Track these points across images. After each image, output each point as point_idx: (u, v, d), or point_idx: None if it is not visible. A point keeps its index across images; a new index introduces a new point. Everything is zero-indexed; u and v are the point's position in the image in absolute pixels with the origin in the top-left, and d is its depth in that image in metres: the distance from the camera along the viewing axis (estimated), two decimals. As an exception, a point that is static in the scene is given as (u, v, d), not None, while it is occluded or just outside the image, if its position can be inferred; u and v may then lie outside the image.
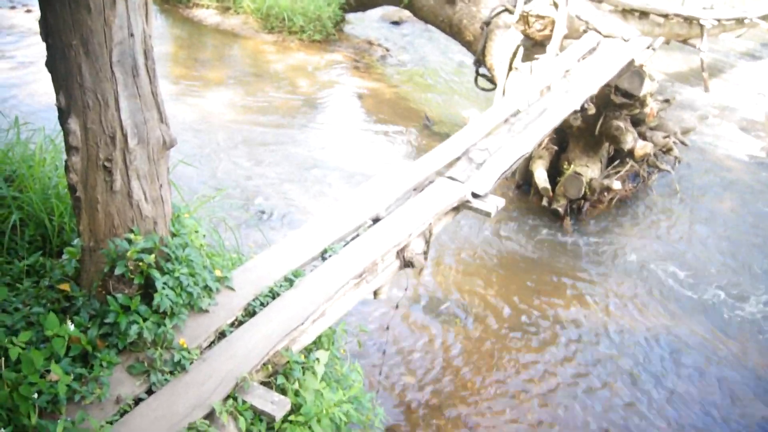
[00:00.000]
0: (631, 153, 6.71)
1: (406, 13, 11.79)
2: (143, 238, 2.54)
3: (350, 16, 11.30)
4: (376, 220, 3.41)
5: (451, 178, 3.91)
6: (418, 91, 9.43)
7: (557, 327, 5.47)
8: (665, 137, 7.35)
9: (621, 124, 6.42)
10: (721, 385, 5.17)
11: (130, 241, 2.49)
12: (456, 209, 3.76)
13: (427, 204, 3.57)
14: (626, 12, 8.70)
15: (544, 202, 6.81)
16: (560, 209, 6.66)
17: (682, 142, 7.55)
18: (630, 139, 6.57)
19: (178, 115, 7.55)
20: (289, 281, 2.96)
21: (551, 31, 7.40)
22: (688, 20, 11.30)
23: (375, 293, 3.27)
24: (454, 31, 8.98)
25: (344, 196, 6.25)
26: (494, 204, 3.76)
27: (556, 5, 7.25)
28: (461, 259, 6.07)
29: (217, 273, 2.80)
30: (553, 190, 6.66)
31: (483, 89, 8.76)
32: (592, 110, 5.60)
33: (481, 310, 5.43)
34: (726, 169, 9.14)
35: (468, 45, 8.85)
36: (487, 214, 3.73)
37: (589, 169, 6.68)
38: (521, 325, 5.36)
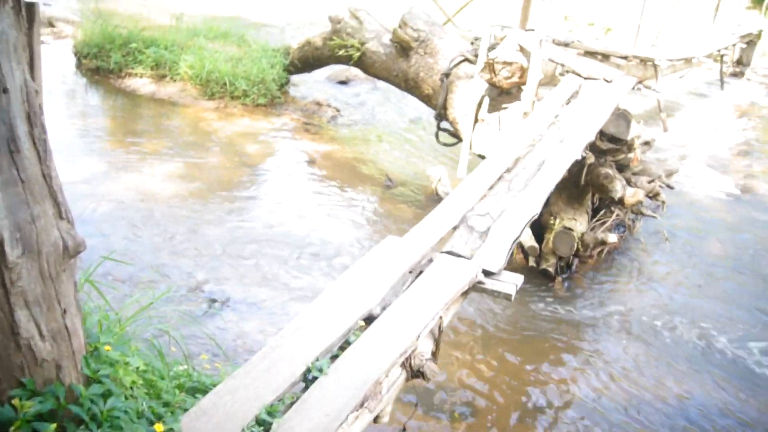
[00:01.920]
0: (621, 202, 6.09)
1: (353, 72, 11.22)
2: (39, 396, 1.68)
3: (295, 78, 10.63)
4: (369, 320, 2.60)
5: (452, 253, 3.14)
6: (374, 151, 8.73)
7: (562, 407, 4.68)
8: (650, 182, 6.78)
9: (609, 171, 5.80)
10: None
11: (17, 405, 1.62)
12: (465, 293, 2.99)
13: (432, 291, 2.78)
14: (589, 54, 8.23)
15: (532, 262, 6.11)
16: (550, 269, 5.95)
17: (668, 186, 6.98)
18: (619, 187, 5.96)
19: (108, 194, 6.66)
20: (263, 425, 2.09)
21: (519, 77, 6.82)
22: (644, 61, 11.11)
23: (375, 418, 2.43)
24: (410, 85, 8.35)
25: (323, 287, 5.43)
26: (513, 283, 3.00)
27: (523, 50, 6.69)
28: (447, 338, 5.27)
29: (158, 429, 1.92)
30: (539, 247, 5.99)
31: (445, 144, 8.12)
32: (591, 159, 4.97)
33: (479, 397, 4.60)
34: (705, 209, 8.65)
35: (427, 99, 8.23)
36: (507, 297, 2.97)
37: (577, 223, 6.01)
38: (526, 410, 4.54)
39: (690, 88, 17.31)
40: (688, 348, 5.52)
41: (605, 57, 8.91)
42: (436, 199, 7.37)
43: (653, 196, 6.83)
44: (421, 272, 2.97)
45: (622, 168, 6.51)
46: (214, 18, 12.04)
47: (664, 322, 5.82)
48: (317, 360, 2.32)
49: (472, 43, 8.11)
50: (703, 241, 7.64)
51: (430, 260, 3.06)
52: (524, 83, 6.99)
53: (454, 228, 3.36)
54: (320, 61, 9.76)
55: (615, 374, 5.05)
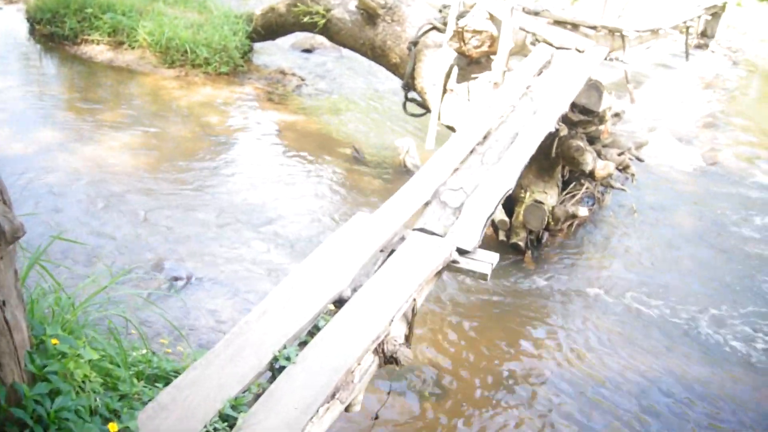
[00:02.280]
0: (591, 175, 6.01)
1: (318, 40, 10.95)
2: (-25, 398, 1.51)
3: (258, 46, 10.32)
4: (340, 303, 2.46)
5: (424, 230, 3.01)
6: (341, 121, 8.54)
7: (532, 383, 4.61)
8: (620, 154, 6.72)
9: (580, 144, 5.71)
10: None
11: (-51, 410, 1.45)
12: (439, 272, 2.86)
13: (405, 272, 2.64)
14: (558, 24, 8.10)
15: (502, 236, 6.02)
16: (521, 243, 5.87)
17: (638, 158, 6.93)
18: (590, 160, 5.87)
19: (64, 166, 6.38)
20: (227, 421, 1.94)
21: (489, 47, 6.67)
22: (612, 32, 11.02)
23: (347, 407, 2.30)
24: (377, 54, 8.14)
25: (288, 262, 5.26)
26: (488, 262, 2.88)
27: (493, 19, 6.53)
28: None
29: (112, 429, 1.76)
30: (509, 221, 5.89)
31: (413, 115, 7.96)
32: (564, 131, 4.86)
33: (447, 374, 4.50)
34: (673, 182, 8.65)
35: (394, 68, 8.03)
36: (482, 277, 2.85)
37: (548, 196, 5.93)
38: (496, 387, 4.46)
39: (655, 59, 17.33)
40: (655, 322, 5.50)
41: (574, 27, 8.79)
42: (404, 170, 7.23)
43: (623, 168, 6.77)
44: (393, 251, 2.83)
45: (592, 140, 6.43)
46: (174, -18, 11.61)
47: (633, 296, 5.80)
48: (285, 348, 2.18)
49: (440, 11, 7.91)
50: (670, 214, 7.64)
51: (402, 238, 2.93)
52: (494, 52, 6.84)
53: (427, 203, 3.22)
54: (284, 28, 9.48)
55: (583, 349, 5.01)
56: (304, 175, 6.86)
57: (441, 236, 2.99)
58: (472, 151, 3.77)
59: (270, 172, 6.81)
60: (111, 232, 5.41)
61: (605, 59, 5.96)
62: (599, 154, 6.44)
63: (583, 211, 5.64)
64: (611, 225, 7.05)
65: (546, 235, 6.21)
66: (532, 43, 6.11)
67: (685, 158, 9.69)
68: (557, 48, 5.67)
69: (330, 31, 8.62)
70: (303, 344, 2.26)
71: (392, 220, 3.00)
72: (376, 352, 2.33)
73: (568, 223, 6.07)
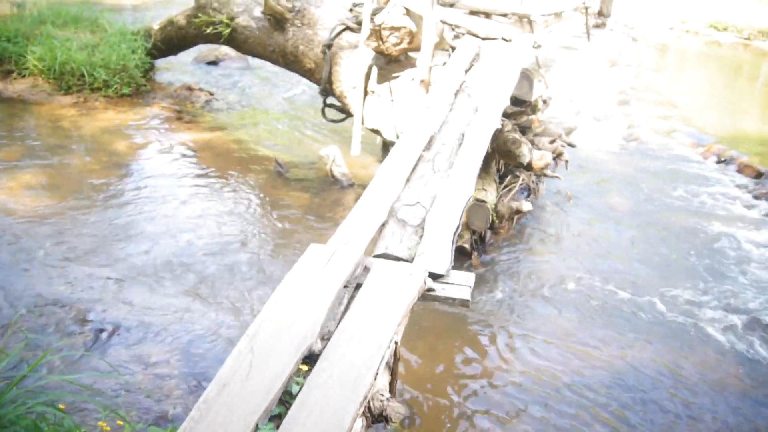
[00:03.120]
0: (529, 167, 5.82)
1: (223, 51, 10.47)
2: None
3: (161, 63, 9.73)
4: (311, 359, 2.08)
5: (388, 256, 2.67)
6: (258, 134, 8.09)
7: (493, 387, 4.35)
8: (552, 142, 6.57)
9: (516, 136, 5.49)
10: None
11: None
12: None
13: (378, 310, 2.28)
14: (473, 13, 7.91)
15: (444, 241, 5.75)
16: (466, 245, 5.61)
17: (569, 144, 6.80)
18: (526, 152, 5.67)
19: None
20: None
21: (409, 43, 6.40)
22: (521, 18, 11.00)
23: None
24: (289, 60, 7.74)
25: (225, 297, 4.81)
26: (466, 285, 2.57)
27: (410, 14, 6.25)
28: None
29: None
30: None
31: (333, 121, 7.62)
32: (508, 126, 4.61)
33: (416, 396, 4.18)
34: (600, 162, 8.64)
35: (309, 74, 7.65)
36: (464, 304, 2.54)
37: (487, 193, 5.69)
38: (465, 402, 4.17)
39: (559, 42, 17.55)
40: (613, 310, 5.36)
41: (487, 15, 8.64)
42: (331, 180, 6.87)
43: (557, 156, 6.63)
44: (359, 285, 2.48)
45: (524, 130, 6.26)
46: (62, 2, 10.82)
47: (585, 285, 5.65)
48: (258, 429, 1.79)
49: (351, 10, 7.57)
50: (604, 196, 7.58)
51: (366, 268, 2.58)
52: (414, 49, 6.58)
53: (383, 224, 2.88)
54: (186, 41, 8.93)
55: (545, 348, 4.79)
56: (227, 197, 6.40)
57: (407, 261, 2.67)
58: (419, 159, 3.46)
59: (189, 199, 6.30)
60: (14, 285, 4.81)
61: (537, 45, 5.76)
62: (532, 144, 6.27)
63: (527, 206, 5.43)
64: (550, 214, 6.91)
65: (489, 233, 5.99)
66: (456, 36, 5.86)
67: (608, 138, 9.73)
68: (483, 39, 5.44)
69: (236, 40, 8.16)
70: (277, 417, 1.88)
71: (351, 250, 2.64)
72: (363, 413, 1.98)
73: (512, 219, 5.86)
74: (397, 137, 6.67)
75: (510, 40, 5.51)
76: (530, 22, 11.44)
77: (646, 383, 4.55)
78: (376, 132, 7.02)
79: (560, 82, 12.71)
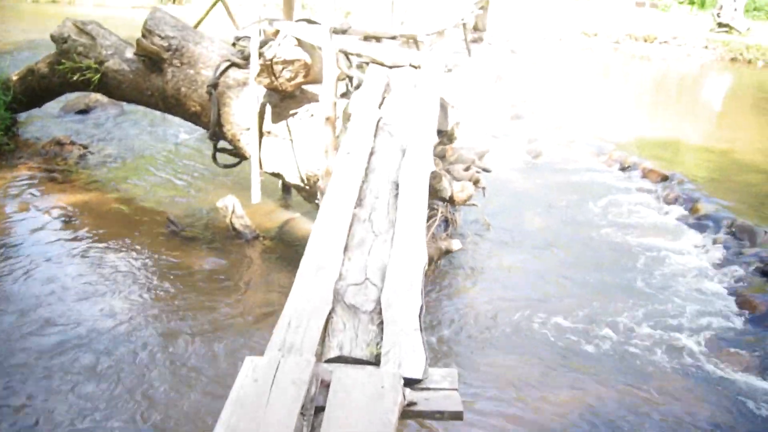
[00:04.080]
0: (451, 200, 5.38)
1: (93, 97, 9.56)
2: None
3: (24, 116, 8.72)
4: None
5: (346, 360, 2.09)
6: (144, 188, 7.27)
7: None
8: (467, 169, 6.17)
9: (436, 170, 5.03)
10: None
11: None
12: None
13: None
14: (366, 39, 7.47)
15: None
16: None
17: (484, 169, 6.43)
18: (447, 185, 5.23)
19: None
20: None
21: (305, 77, 5.87)
22: (408, 39, 10.72)
23: None
24: (170, 104, 6.99)
25: (118, 410, 4.00)
26: (451, 386, 2.02)
27: (302, 45, 5.73)
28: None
29: None
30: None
31: (227, 166, 6.92)
32: (440, 166, 4.13)
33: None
34: (510, 182, 8.38)
35: (195, 118, 6.94)
36: (457, 417, 1.99)
37: (410, 234, 5.20)
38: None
39: (441, 59, 17.45)
40: (550, 342, 5.01)
41: (378, 39, 8.25)
42: (233, 235, 6.20)
43: (474, 183, 6.24)
44: (320, 409, 1.89)
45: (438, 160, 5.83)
46: None
47: (519, 317, 5.30)
48: None
49: (234, 44, 6.94)
50: (521, 218, 7.29)
51: (323, 382, 1.99)
52: (310, 82, 6.06)
53: (331, 314, 2.30)
54: (50, 91, 8.00)
55: (488, 404, 4.33)
56: (111, 267, 5.57)
57: (373, 364, 2.10)
58: (353, 219, 2.91)
59: (70, 276, 5.42)
60: None
61: (448, 69, 5.34)
62: (448, 173, 5.85)
63: (456, 245, 4.99)
64: (472, 245, 6.52)
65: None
66: (359, 66, 5.36)
67: (511, 156, 9.51)
68: (390, 67, 4.97)
69: (108, 86, 7.32)
70: None
71: (300, 360, 2.03)
72: None
73: (440, 260, 5.40)
74: (302, 180, 6.10)
75: (419, 67, 5.06)
76: (416, 43, 11.19)
77: (594, 420, 4.19)
78: (277, 176, 6.41)
79: (451, 100, 12.42)
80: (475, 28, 21.93)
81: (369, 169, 3.39)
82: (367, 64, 5.16)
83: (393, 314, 2.24)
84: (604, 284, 5.96)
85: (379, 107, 4.36)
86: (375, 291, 2.37)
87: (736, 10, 23.07)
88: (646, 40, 22.53)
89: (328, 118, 4.88)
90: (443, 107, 4.91)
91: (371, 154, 3.58)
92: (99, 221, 6.36)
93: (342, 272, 2.48)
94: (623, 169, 9.11)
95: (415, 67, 5.04)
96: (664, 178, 8.59)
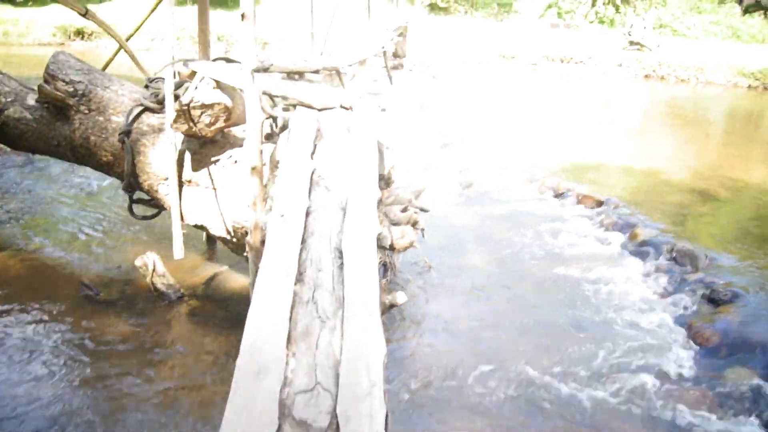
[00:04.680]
0: (392, 248, 5.03)
1: (-7, 147, 8.78)
2: None
3: None
4: None
5: None
6: (53, 248, 6.63)
7: None
8: (404, 210, 5.83)
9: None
10: None
11: None
12: None
13: None
14: (289, 76, 7.09)
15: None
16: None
17: (422, 209, 6.10)
18: (386, 232, 4.88)
19: None
20: None
21: (226, 121, 5.43)
22: (331, 72, 10.41)
23: None
24: (80, 154, 6.41)
25: None
26: None
27: (221, 86, 5.31)
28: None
29: None
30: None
31: (145, 218, 6.35)
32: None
33: None
34: (445, 217, 8.09)
35: (107, 168, 6.37)
36: None
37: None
38: None
39: (363, 89, 17.24)
40: (507, 398, 4.68)
41: (300, 75, 7.90)
42: (155, 296, 5.67)
43: (413, 225, 5.91)
44: None
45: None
46: None
47: (475, 375, 4.93)
48: None
49: (147, 87, 6.42)
50: (462, 256, 7.00)
51: None
52: (233, 125, 5.64)
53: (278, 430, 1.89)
54: (-58, 144, 7.29)
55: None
56: (15, 345, 4.96)
57: None
58: (294, 300, 2.51)
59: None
60: None
61: (382, 108, 5.01)
62: (386, 216, 5.50)
63: (401, 297, 4.59)
64: (413, 291, 6.17)
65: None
66: (286, 109, 4.96)
67: (443, 187, 9.27)
68: (320, 110, 4.60)
69: (9, 136, 6.67)
70: None
71: None
72: None
73: (384, 314, 5.02)
74: (228, 233, 5.63)
75: (351, 108, 4.71)
76: (339, 75, 10.89)
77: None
78: (202, 228, 5.91)
79: (386, 141, 12.19)
80: (395, 55, 21.90)
81: (307, 233, 2.99)
82: (294, 106, 4.77)
83: (353, 431, 1.85)
84: (551, 324, 5.71)
85: (312, 156, 3.96)
86: (329, 399, 1.98)
87: (645, 28, 23.83)
88: (562, 61, 22.98)
89: (254, 168, 4.45)
90: (379, 150, 4.58)
91: (308, 213, 3.19)
92: (2, 288, 5.71)
93: (287, 375, 2.08)
94: (557, 195, 8.99)
95: (347, 109, 4.69)
96: (599, 204, 8.50)
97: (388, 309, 4.68)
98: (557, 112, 16.59)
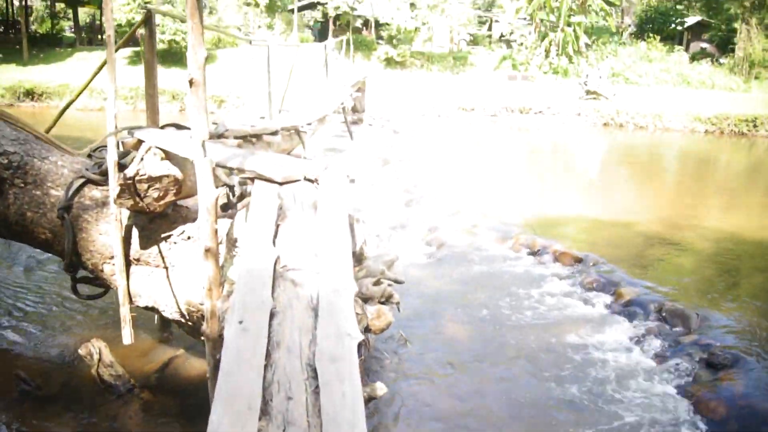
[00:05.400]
0: (367, 330, 4.50)
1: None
2: None
3: None
4: None
5: None
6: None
7: None
8: (376, 283, 5.32)
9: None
10: None
11: None
12: None
13: None
14: (244, 140, 6.62)
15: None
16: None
17: (396, 281, 5.58)
18: (360, 311, 4.35)
19: None
20: None
21: (176, 194, 4.91)
22: (290, 131, 10.03)
23: None
24: (15, 231, 5.77)
25: None
26: None
27: (169, 156, 4.80)
28: None
29: None
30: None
31: (90, 297, 5.70)
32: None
33: None
34: (418, 283, 7.60)
35: (47, 246, 5.74)
36: None
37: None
38: None
39: (323, 145, 16.88)
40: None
41: (258, 138, 7.45)
42: (101, 388, 5.02)
43: (386, 300, 5.40)
44: None
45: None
46: None
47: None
48: None
49: (90, 156, 5.85)
50: (438, 327, 6.49)
51: None
52: (184, 197, 5.11)
53: None
54: None
55: None
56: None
57: None
58: (262, 418, 1.95)
59: None
60: None
61: (351, 180, 4.52)
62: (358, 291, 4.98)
63: (380, 389, 4.05)
64: (391, 370, 5.62)
65: None
66: (242, 183, 4.44)
67: (411, 249, 8.80)
68: (281, 183, 4.09)
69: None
70: None
71: None
72: None
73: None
74: (182, 315, 5.05)
75: (316, 180, 4.21)
76: (299, 134, 10.47)
77: None
78: (152, 310, 5.31)
79: (356, 214, 11.75)
80: (354, 110, 21.66)
81: (272, 345, 2.46)
82: (252, 180, 4.26)
83: None
84: (542, 402, 5.20)
85: (274, 241, 3.43)
86: None
87: (600, 77, 24.07)
88: (522, 112, 22.98)
89: (208, 250, 3.90)
90: (350, 225, 4.08)
91: (272, 315, 2.65)
92: None
93: None
94: (533, 253, 8.57)
95: (312, 182, 4.19)
96: (578, 260, 8.10)
97: (366, 402, 4.13)
98: (521, 164, 16.39)
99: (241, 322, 2.53)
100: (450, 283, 7.62)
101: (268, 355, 2.38)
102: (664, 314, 6.54)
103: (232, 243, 4.37)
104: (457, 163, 16.00)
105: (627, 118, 22.02)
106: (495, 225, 9.67)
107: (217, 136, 5.92)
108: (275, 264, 3.10)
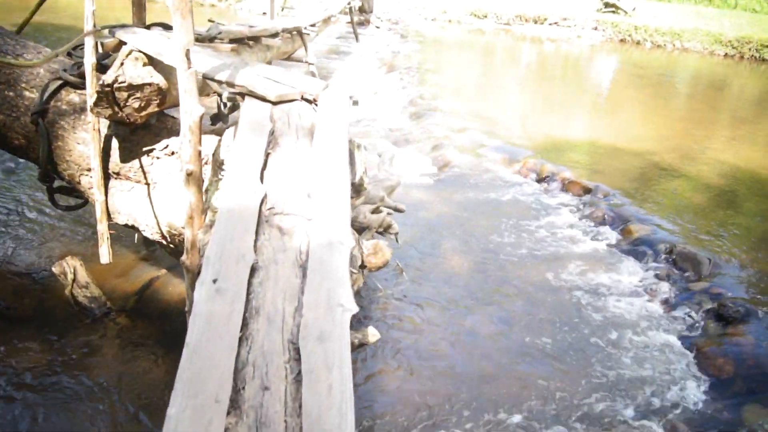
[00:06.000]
0: (363, 268, 4.15)
1: None
2: None
3: None
4: None
5: None
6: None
7: None
8: (375, 210, 4.95)
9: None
10: None
11: None
12: None
13: None
14: (238, 42, 6.07)
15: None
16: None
17: (397, 209, 5.21)
18: (356, 251, 3.99)
19: None
20: None
21: (159, 105, 4.46)
22: (292, 33, 9.43)
23: None
24: (-13, 134, 5.34)
25: None
26: None
27: (153, 62, 4.32)
28: None
29: None
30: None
31: (69, 208, 5.33)
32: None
33: None
34: (418, 204, 7.23)
35: (21, 152, 5.33)
36: None
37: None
38: None
39: (327, 47, 16.15)
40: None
41: (256, 40, 6.90)
42: (76, 311, 4.71)
43: (385, 230, 5.06)
44: None
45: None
46: None
47: (450, 408, 4.14)
48: None
49: (69, 55, 5.31)
50: (438, 258, 6.16)
51: None
52: (169, 107, 4.66)
53: None
54: None
55: None
56: None
57: None
58: (230, 414, 1.60)
59: None
60: None
61: (354, 101, 4.04)
62: (355, 221, 4.61)
63: (373, 336, 3.75)
64: (385, 303, 5.32)
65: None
66: (230, 98, 3.97)
67: (415, 167, 8.37)
68: (275, 103, 3.63)
69: None
70: None
71: None
72: None
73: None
74: (164, 236, 4.69)
75: (315, 100, 3.74)
76: (301, 35, 9.84)
77: None
78: (132, 228, 4.94)
79: (357, 138, 11.26)
80: (361, 10, 20.69)
81: (249, 312, 2.09)
82: (243, 96, 3.79)
83: None
84: (539, 351, 4.89)
85: (261, 176, 3.00)
86: None
87: (621, -11, 22.94)
88: (536, 21, 22.00)
89: (190, 174, 3.49)
90: (350, 153, 3.66)
91: (253, 271, 2.27)
92: None
93: None
94: (540, 180, 8.16)
95: (311, 102, 3.72)
96: (587, 191, 7.70)
97: (356, 348, 3.83)
98: (532, 79, 15.72)
99: (215, 281, 2.15)
100: (452, 207, 7.25)
101: (244, 325, 2.02)
102: (674, 257, 6.21)
103: (218, 165, 3.95)
104: (465, 75, 15.31)
105: (645, 36, 21.08)
106: (502, 146, 9.21)
107: (209, 39, 5.39)
108: (261, 204, 2.69)
